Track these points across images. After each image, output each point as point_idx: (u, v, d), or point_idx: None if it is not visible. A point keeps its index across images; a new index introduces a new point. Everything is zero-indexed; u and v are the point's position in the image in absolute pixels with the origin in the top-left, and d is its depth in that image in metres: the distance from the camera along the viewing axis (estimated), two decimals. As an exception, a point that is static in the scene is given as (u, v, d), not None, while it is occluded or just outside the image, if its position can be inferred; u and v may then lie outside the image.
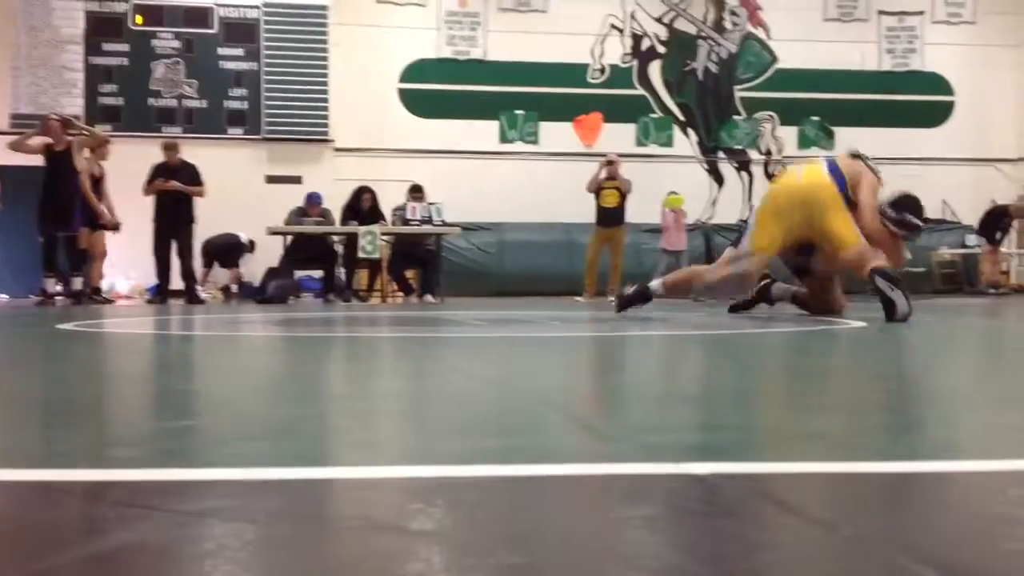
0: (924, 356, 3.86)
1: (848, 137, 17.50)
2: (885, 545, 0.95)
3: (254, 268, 13.90)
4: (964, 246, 16.16)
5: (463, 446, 1.57)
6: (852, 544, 0.96)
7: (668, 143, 17.55)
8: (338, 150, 15.85)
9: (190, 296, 11.74)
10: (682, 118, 17.70)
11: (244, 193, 14.73)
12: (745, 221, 8.53)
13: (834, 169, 6.59)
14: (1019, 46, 17.63)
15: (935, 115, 17.71)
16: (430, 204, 13.02)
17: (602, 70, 17.45)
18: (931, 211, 16.72)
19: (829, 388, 2.62)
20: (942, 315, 6.92)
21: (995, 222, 15.01)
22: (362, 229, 12.20)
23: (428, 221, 12.84)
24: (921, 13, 17.76)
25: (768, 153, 17.83)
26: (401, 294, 13.00)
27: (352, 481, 1.31)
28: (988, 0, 17.66)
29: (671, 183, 14.77)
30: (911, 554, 0.91)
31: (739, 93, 17.76)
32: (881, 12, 17.76)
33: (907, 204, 6.52)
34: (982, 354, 4.10)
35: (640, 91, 17.52)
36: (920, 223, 6.58)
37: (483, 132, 16.93)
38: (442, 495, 1.19)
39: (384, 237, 12.60)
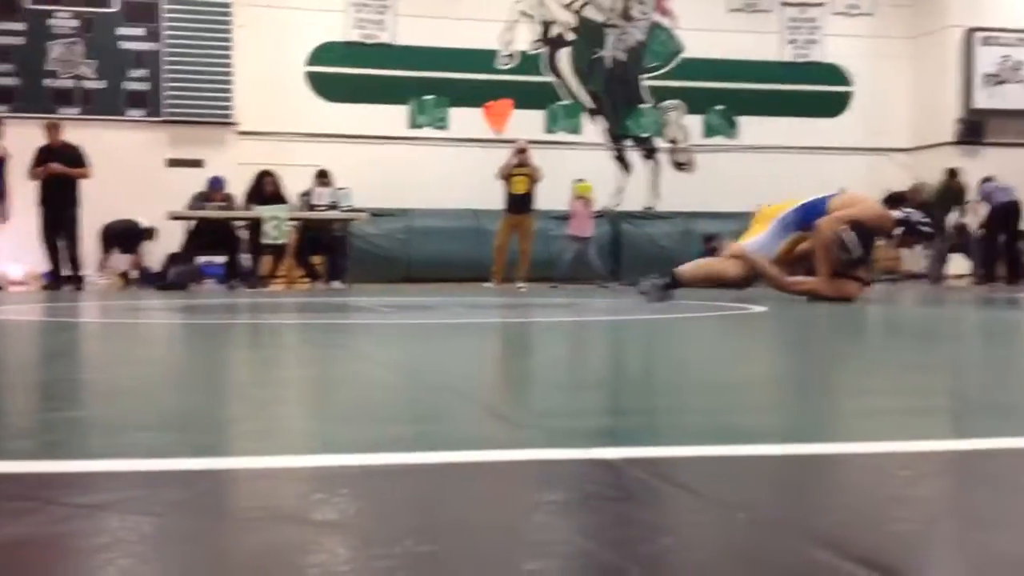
0: (816, 339, 3.96)
1: (751, 127, 17.85)
2: (783, 527, 0.97)
3: (155, 254, 13.59)
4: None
5: (368, 434, 1.56)
6: (752, 526, 0.98)
7: (576, 130, 17.66)
8: (243, 133, 15.57)
9: (76, 282, 11.44)
10: (591, 106, 17.82)
11: (144, 177, 14.37)
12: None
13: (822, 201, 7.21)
14: (914, 38, 18.16)
15: (834, 105, 18.14)
16: (338, 189, 12.87)
17: (512, 56, 17.46)
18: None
19: (729, 371, 2.66)
20: (834, 302, 7.10)
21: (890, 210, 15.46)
22: (267, 214, 12.01)
23: (335, 207, 12.70)
24: (822, 4, 18.16)
25: (674, 141, 18.07)
26: (307, 280, 12.85)
27: (254, 471, 1.29)
28: (885, -7, 18.15)
29: (579, 170, 14.87)
30: (808, 535, 0.93)
31: (646, 81, 17.95)
32: (784, 3, 18.11)
33: (912, 200, 7.26)
34: (870, 339, 4.22)
35: (549, 78, 17.59)
36: (923, 225, 7.08)
37: (392, 117, 16.80)
38: (347, 484, 1.18)
39: (290, 222, 12.44)
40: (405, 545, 0.91)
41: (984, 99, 17.86)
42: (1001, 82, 18.12)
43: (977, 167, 16.27)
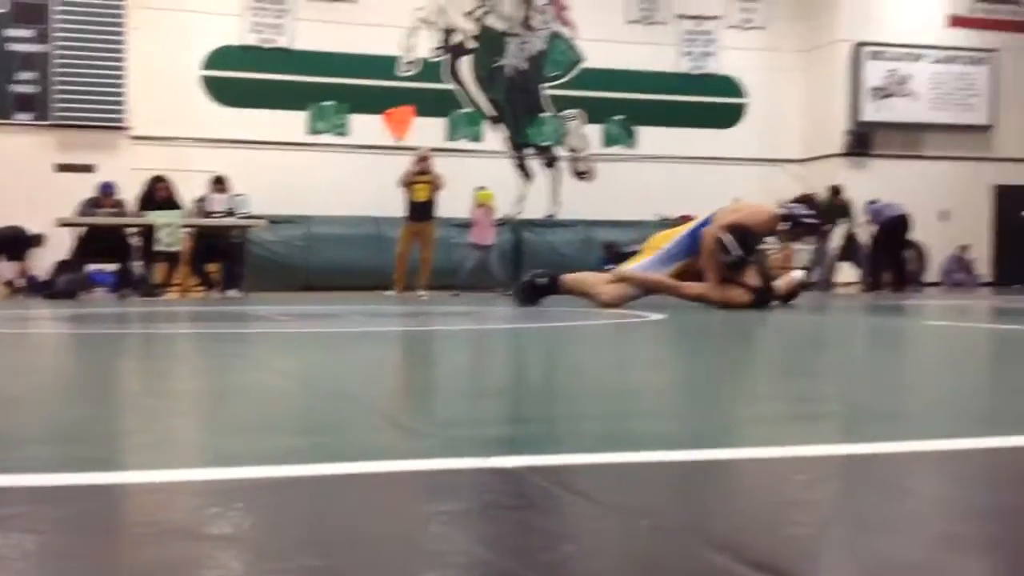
0: (710, 346, 4.03)
1: (649, 136, 18.12)
2: (682, 532, 0.98)
3: (43, 262, 13.15)
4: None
5: (264, 446, 1.53)
6: (651, 532, 0.98)
7: (478, 138, 17.69)
8: (136, 138, 15.19)
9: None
10: (492, 114, 17.88)
11: (32, 182, 13.91)
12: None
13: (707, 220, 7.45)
14: (806, 51, 18.67)
15: (728, 117, 18.53)
16: (234, 195, 12.64)
17: (413, 63, 17.42)
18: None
19: (627, 378, 2.69)
20: (728, 309, 7.24)
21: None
22: (160, 221, 11.74)
23: (232, 213, 12.47)
24: (717, 18, 18.54)
25: (574, 150, 18.24)
26: (203, 289, 12.58)
27: (145, 486, 1.25)
28: (778, 6, 18.61)
29: (480, 178, 14.89)
30: (706, 540, 0.94)
31: (547, 90, 18.08)
32: (679, 16, 18.44)
33: (802, 200, 7.43)
34: (762, 345, 4.31)
35: (450, 86, 17.59)
36: (807, 217, 7.25)
37: (291, 123, 16.60)
38: (241, 497, 1.15)
39: (184, 229, 12.17)
40: (300, 559, 0.89)
41: (872, 112, 18.46)
42: (888, 95, 18.76)
43: (865, 179, 16.80)
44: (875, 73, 18.59)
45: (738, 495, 1.22)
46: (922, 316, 6.50)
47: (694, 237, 7.40)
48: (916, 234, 15.43)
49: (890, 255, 14.08)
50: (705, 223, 7.45)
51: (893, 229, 13.96)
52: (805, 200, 8.02)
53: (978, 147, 19.05)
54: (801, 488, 1.21)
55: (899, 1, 18.67)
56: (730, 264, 7.04)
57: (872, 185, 16.15)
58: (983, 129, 19.02)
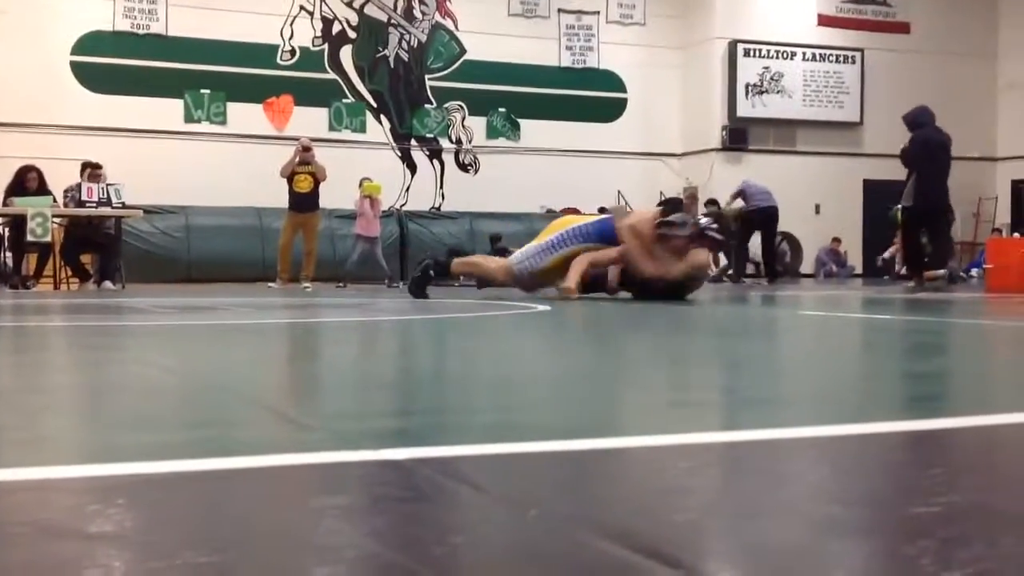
0: (596, 337, 4.09)
1: (533, 129, 18.23)
2: (570, 521, 0.99)
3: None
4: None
5: (145, 441, 1.49)
6: (540, 522, 0.99)
7: (361, 129, 17.53)
8: (2, 125, 14.59)
9: None
10: (374, 104, 17.73)
11: None
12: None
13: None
14: (683, 48, 19.04)
15: (610, 111, 18.78)
16: (109, 185, 12.25)
17: (292, 52, 17.14)
18: (607, 201, 17.79)
19: (514, 369, 2.71)
20: (612, 300, 7.35)
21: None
22: (31, 210, 11.29)
23: (107, 203, 12.08)
24: (597, 13, 18.76)
25: (459, 142, 18.23)
26: (77, 280, 12.16)
27: (21, 483, 1.20)
28: (656, 3, 18.93)
29: (364, 169, 14.75)
30: (595, 529, 0.95)
31: (430, 82, 18.02)
32: (561, 10, 18.60)
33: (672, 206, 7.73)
34: (646, 336, 4.39)
35: (332, 75, 17.38)
36: (711, 230, 7.40)
37: (166, 111, 16.16)
38: (123, 494, 1.12)
39: (56, 219, 11.73)
40: (186, 556, 0.87)
41: (747, 108, 18.94)
42: (762, 92, 19.27)
43: (741, 173, 17.21)
44: (750, 70, 19.08)
45: (624, 483, 1.24)
46: (797, 306, 6.70)
47: (598, 231, 7.50)
48: (790, 227, 15.90)
49: (764, 246, 14.43)
50: (606, 224, 7.55)
51: (765, 220, 14.28)
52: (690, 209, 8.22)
53: (849, 143, 19.74)
54: (685, 475, 1.24)
55: (773, 0, 19.19)
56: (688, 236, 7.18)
57: (748, 178, 16.54)
58: (853, 126, 19.71)
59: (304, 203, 12.65)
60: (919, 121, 10.63)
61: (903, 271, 13.04)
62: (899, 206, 11.55)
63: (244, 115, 16.59)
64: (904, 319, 5.05)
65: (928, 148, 10.22)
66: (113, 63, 15.86)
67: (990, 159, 20.82)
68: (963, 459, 1.39)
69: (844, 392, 2.21)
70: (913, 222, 10.53)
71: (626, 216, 7.73)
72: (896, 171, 20.08)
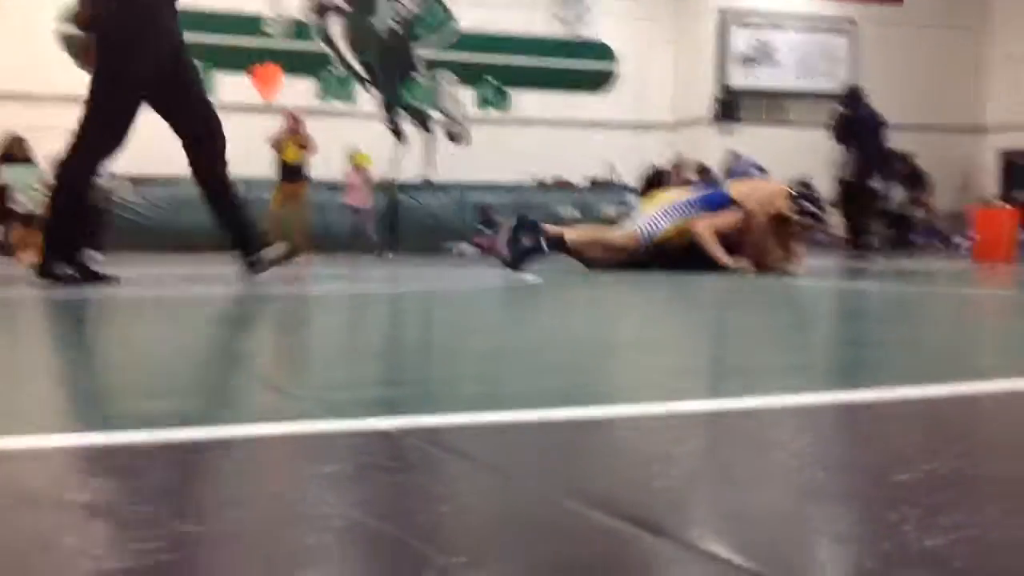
0: (586, 308, 4.09)
1: (523, 100, 18.16)
2: (555, 489, 0.99)
3: None
4: (622, 204, 17.23)
5: (133, 410, 1.49)
6: (525, 491, 1.00)
7: (350, 99, 17.44)
8: (-10, 95, 14.48)
9: None
10: (364, 75, 17.63)
11: None
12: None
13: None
14: (675, 18, 18.95)
15: (601, 81, 18.70)
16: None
17: (282, 22, 17.02)
18: (597, 172, 17.77)
19: (503, 340, 2.71)
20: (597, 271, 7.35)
21: (654, 184, 16.14)
22: (20, 181, 11.23)
23: (94, 174, 12.00)
24: (589, -17, 18.66)
25: (448, 113, 18.15)
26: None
27: (4, 453, 1.20)
28: (649, -26, 18.83)
29: (353, 140, 14.69)
30: (580, 497, 0.96)
31: (420, 53, 17.92)
32: (553, -21, 18.49)
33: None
34: (626, 309, 4.40)
35: (321, 46, 17.27)
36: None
37: (154, 81, 16.04)
38: (107, 463, 1.12)
39: (42, 190, 11.67)
40: (173, 525, 0.87)
41: (739, 79, 18.89)
42: (754, 63, 19.21)
43: (732, 144, 17.17)
44: (741, 41, 19.01)
45: (610, 452, 1.24)
46: (785, 278, 6.71)
47: (711, 200, 7.23)
48: (781, 198, 15.87)
49: None
50: (720, 195, 7.30)
51: None
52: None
53: (839, 115, 19.70)
54: (670, 444, 1.24)
55: (765, -29, 19.10)
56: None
57: (740, 150, 16.50)
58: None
59: (293, 174, 12.62)
60: (852, 98, 11.02)
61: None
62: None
63: (231, 85, 16.48)
64: (887, 288, 5.07)
65: (857, 125, 10.58)
66: (100, 33, 15.75)
67: (981, 130, 20.82)
68: (945, 427, 1.40)
69: (827, 360, 2.22)
70: (846, 195, 10.91)
71: (751, 189, 7.39)
72: (888, 142, 20.02)
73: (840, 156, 10.95)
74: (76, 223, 5.12)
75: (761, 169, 14.66)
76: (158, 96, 5.10)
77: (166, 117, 5.27)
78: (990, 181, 20.15)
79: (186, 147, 5.32)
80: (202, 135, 5.30)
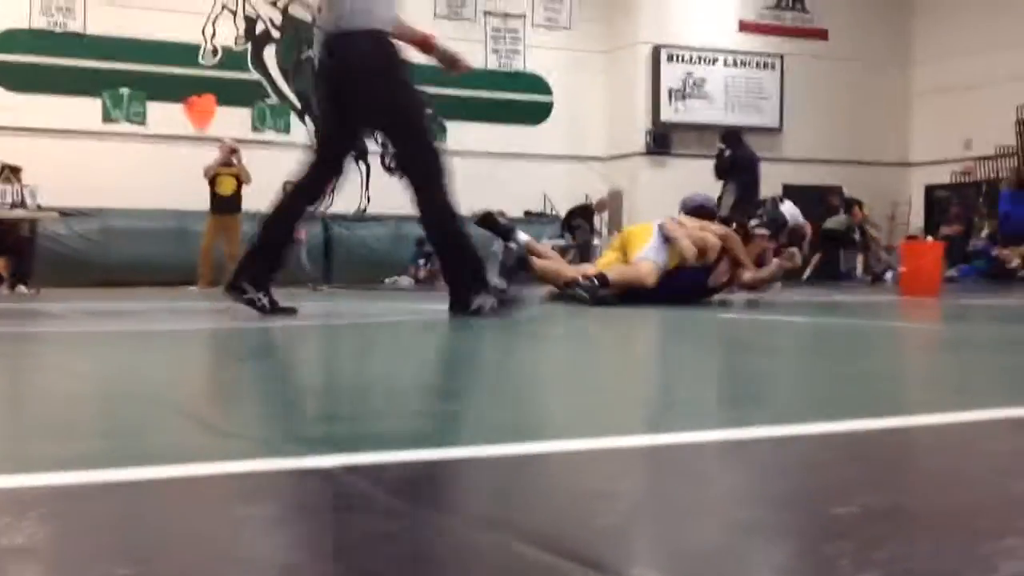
0: (510, 341, 4.10)
1: (460, 131, 18.22)
2: (496, 527, 0.99)
3: None
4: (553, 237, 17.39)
5: (60, 451, 1.45)
6: (465, 529, 0.99)
7: (285, 130, 17.35)
8: (-87, 125, 14.16)
9: None
10: (299, 105, 17.56)
11: None
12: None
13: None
14: (608, 52, 19.19)
15: (536, 114, 18.85)
16: (24, 186, 11.94)
17: (215, 52, 16.90)
18: (533, 204, 17.87)
19: (441, 374, 2.70)
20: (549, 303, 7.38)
21: (571, 219, 16.47)
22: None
23: (21, 205, 11.76)
24: (523, 16, 18.83)
25: (385, 145, 18.12)
26: (-11, 285, 11.83)
27: (-71, 498, 1.16)
28: (581, 8, 19.05)
29: (288, 171, 14.57)
30: (520, 534, 0.96)
31: (355, 83, 17.92)
32: (487, 13, 18.63)
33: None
34: (563, 341, 4.41)
35: (255, 75, 17.17)
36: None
37: (84, 110, 15.81)
38: (37, 506, 1.09)
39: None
40: (102, 568, 0.85)
41: (670, 113, 19.16)
42: (685, 97, 19.52)
43: (665, 177, 17.40)
44: (673, 75, 19.31)
45: (548, 488, 1.24)
46: (717, 309, 6.79)
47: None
48: (713, 230, 16.11)
49: None
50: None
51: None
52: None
53: (769, 148, 20.07)
54: (609, 479, 1.25)
55: (695, 6, 19.44)
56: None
57: (672, 183, 16.72)
58: (773, 131, 20.05)
59: (226, 205, 12.48)
60: (734, 139, 11.69)
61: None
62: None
63: (164, 115, 16.31)
64: (814, 320, 5.16)
65: (736, 164, 11.26)
66: (29, 61, 15.48)
67: (905, 164, 21.34)
68: (879, 460, 1.43)
69: (763, 395, 2.25)
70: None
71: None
72: (815, 176, 20.46)
73: (720, 193, 11.52)
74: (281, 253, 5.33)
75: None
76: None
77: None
78: (916, 215, 20.65)
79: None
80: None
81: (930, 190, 20.57)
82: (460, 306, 4.95)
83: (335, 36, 5.01)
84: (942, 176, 20.02)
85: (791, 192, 19.83)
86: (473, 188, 17.81)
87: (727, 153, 11.58)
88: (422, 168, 5.18)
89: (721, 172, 11.64)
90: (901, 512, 1.05)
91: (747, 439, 1.51)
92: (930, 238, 15.12)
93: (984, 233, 18.21)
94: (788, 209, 7.88)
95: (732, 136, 11.77)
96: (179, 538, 0.98)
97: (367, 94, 5.04)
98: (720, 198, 11.27)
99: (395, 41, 5.16)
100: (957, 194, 19.33)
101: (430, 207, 5.17)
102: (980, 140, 19.69)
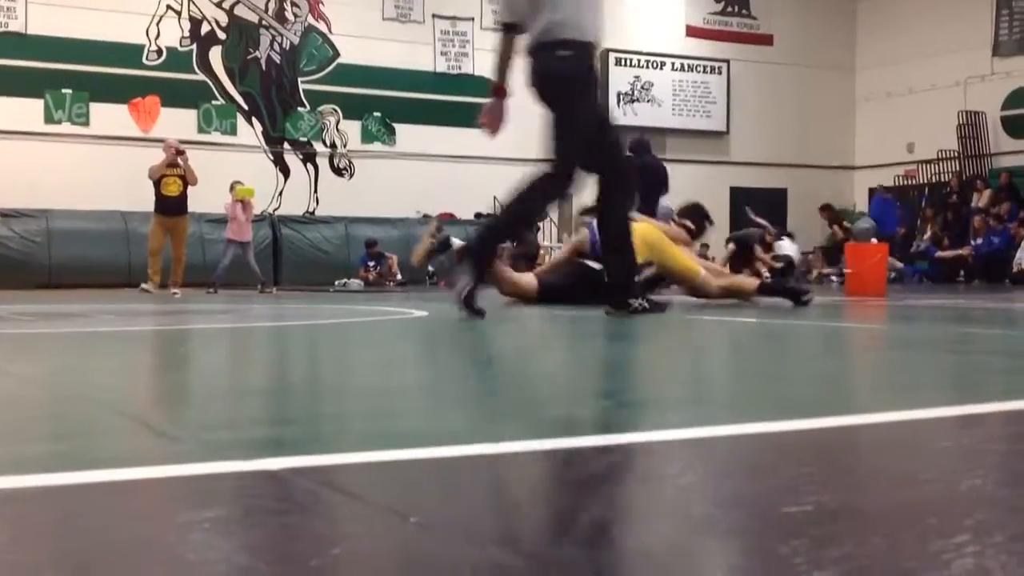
0: (476, 342, 4.09)
1: (409, 134, 18.17)
2: (451, 528, 0.98)
3: None
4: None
5: (1, 455, 1.41)
6: (421, 532, 0.98)
7: (232, 131, 17.19)
8: None
9: None
10: (245, 107, 17.40)
11: None
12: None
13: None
14: (558, 57, 19.26)
15: (486, 116, 18.86)
16: (-38, 188, 11.73)
17: (159, 52, 16.69)
18: (483, 206, 17.87)
19: (391, 376, 2.68)
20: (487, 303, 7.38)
21: None
22: None
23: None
24: (471, 19, 18.82)
25: (333, 146, 18.03)
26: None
27: None
28: (532, 12, 19.11)
29: (235, 172, 14.48)
30: (475, 535, 0.95)
31: (302, 85, 17.78)
32: (435, 15, 18.60)
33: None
34: (515, 342, 4.41)
35: (200, 76, 16.99)
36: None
37: (26, 111, 15.54)
38: (-23, 513, 1.06)
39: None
40: (47, 575, 0.83)
41: (619, 116, 19.28)
42: (633, 100, 19.64)
43: (615, 179, 17.47)
44: (621, 79, 19.43)
45: (504, 489, 1.23)
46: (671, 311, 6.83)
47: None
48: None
49: None
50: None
51: None
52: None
53: (716, 151, 20.27)
54: (563, 480, 1.24)
55: (643, 11, 19.58)
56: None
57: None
58: (720, 134, 20.26)
59: (172, 207, 12.30)
60: (642, 148, 12.30)
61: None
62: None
63: (108, 116, 16.09)
64: (763, 322, 5.21)
65: (642, 173, 11.93)
66: (-32, 61, 15.21)
67: (849, 167, 21.66)
68: (831, 459, 1.44)
69: (714, 393, 2.26)
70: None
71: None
72: (761, 179, 20.67)
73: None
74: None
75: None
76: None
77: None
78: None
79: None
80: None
81: (874, 193, 20.91)
82: (621, 306, 5.26)
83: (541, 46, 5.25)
84: (886, 179, 20.35)
85: (737, 193, 20.08)
86: (423, 190, 17.83)
87: (636, 161, 12.29)
88: (611, 176, 5.51)
89: None
90: (852, 510, 1.06)
91: (697, 438, 1.52)
92: (874, 240, 15.37)
93: (927, 235, 18.54)
94: (787, 246, 8.34)
95: (640, 145, 12.35)
96: (123, 543, 0.96)
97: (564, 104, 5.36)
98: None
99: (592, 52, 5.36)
100: (900, 197, 19.66)
101: (614, 211, 5.47)
102: (923, 144, 20.06)
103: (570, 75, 5.24)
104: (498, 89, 5.58)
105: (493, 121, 5.59)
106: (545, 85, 5.30)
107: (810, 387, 2.37)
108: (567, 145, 5.37)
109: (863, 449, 1.53)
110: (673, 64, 19.88)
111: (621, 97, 19.36)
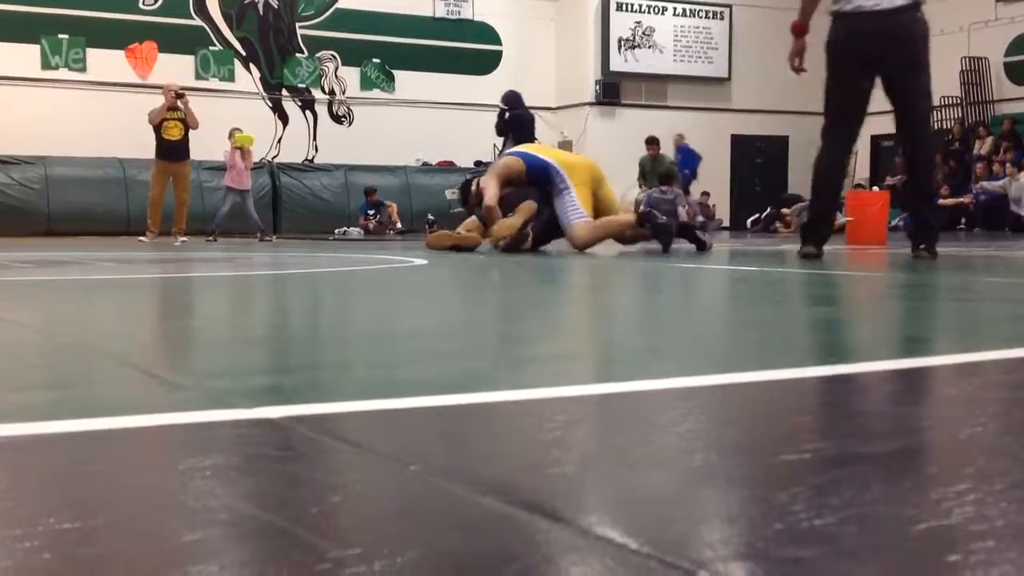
0: (476, 290, 4.09)
1: (408, 81, 18.02)
2: (451, 477, 0.98)
3: None
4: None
5: (4, 403, 1.42)
6: (420, 479, 0.98)
7: (230, 77, 17.06)
8: None
9: None
10: (243, 52, 17.25)
11: None
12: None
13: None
14: (558, 1, 19.05)
15: (485, 63, 18.70)
16: (-41, 134, 11.65)
17: (157, -3, 16.51)
18: (483, 154, 17.79)
19: (393, 323, 2.68)
20: (488, 254, 7.37)
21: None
22: None
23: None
24: (473, -36, 18.60)
25: (332, 93, 17.90)
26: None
27: None
28: (532, -44, 18.87)
29: (233, 119, 14.39)
30: (475, 483, 0.95)
31: (300, 30, 17.61)
32: (436, -40, 18.38)
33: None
34: (515, 290, 4.42)
35: (197, 21, 16.82)
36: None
37: (22, 56, 15.40)
38: (-21, 461, 1.06)
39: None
40: (49, 522, 0.83)
41: (619, 63, 19.11)
42: (634, 47, 19.46)
43: (614, 126, 17.38)
44: (622, 24, 19.23)
45: (503, 437, 1.24)
46: (670, 260, 6.83)
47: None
48: (662, 180, 16.17)
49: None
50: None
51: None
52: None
53: (717, 98, 20.12)
54: (563, 428, 1.24)
55: (646, -45, 19.33)
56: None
57: (621, 133, 16.72)
58: (721, 81, 20.09)
59: (174, 151, 12.16)
60: (515, 100, 12.65)
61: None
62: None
63: (105, 62, 15.95)
64: (761, 270, 5.20)
65: (514, 123, 12.23)
66: (-37, 5, 15.05)
67: (852, 115, 21.47)
68: (830, 407, 1.44)
69: (713, 342, 2.26)
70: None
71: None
72: (763, 126, 20.54)
73: (501, 148, 12.52)
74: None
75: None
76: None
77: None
78: (862, 166, 20.85)
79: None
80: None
81: (876, 140, 20.78)
82: (932, 240, 5.94)
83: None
84: (888, 126, 20.21)
85: (739, 140, 19.96)
86: (422, 138, 17.73)
87: (507, 114, 12.53)
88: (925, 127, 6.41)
89: (501, 130, 12.70)
90: (852, 458, 1.06)
91: (695, 387, 1.52)
92: (876, 188, 15.32)
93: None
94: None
95: (512, 97, 12.67)
96: (127, 491, 0.96)
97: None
98: (501, 152, 12.01)
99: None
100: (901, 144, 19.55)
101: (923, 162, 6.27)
102: (925, 91, 19.87)
103: (927, 34, 5.99)
104: (803, 29, 6.67)
105: (799, 57, 6.59)
106: (913, 44, 5.99)
107: (809, 335, 2.37)
108: (929, 99, 6.20)
109: (862, 397, 1.54)
110: (675, 9, 19.67)
111: (622, 43, 19.18)
